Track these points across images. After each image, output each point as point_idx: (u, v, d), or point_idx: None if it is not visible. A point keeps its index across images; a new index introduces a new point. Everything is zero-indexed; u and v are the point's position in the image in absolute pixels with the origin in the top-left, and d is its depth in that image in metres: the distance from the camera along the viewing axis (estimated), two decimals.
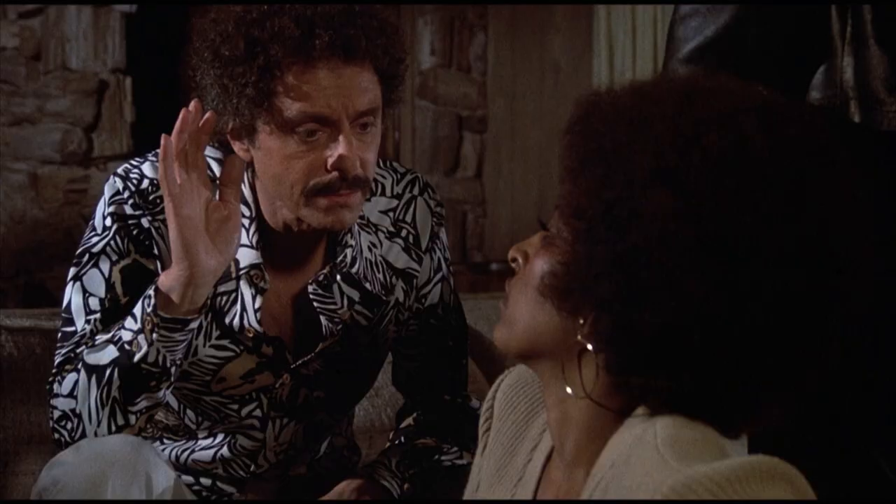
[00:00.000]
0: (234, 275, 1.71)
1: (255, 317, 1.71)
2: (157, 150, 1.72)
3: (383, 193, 1.83)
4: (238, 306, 1.71)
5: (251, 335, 1.71)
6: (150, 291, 1.59)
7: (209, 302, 1.68)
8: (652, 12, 4.66)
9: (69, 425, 1.64)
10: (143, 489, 1.54)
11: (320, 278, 1.74)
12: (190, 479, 1.80)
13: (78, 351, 1.66)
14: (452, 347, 1.91)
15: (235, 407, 1.76)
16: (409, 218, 1.83)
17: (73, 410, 1.63)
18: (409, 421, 1.87)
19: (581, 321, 1.06)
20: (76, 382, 1.63)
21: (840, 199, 1.04)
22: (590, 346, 1.07)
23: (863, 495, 1.64)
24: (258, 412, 1.77)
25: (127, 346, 1.60)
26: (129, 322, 1.61)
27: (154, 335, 1.58)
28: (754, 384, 1.03)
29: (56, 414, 1.65)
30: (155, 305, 1.58)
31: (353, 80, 1.63)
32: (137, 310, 1.60)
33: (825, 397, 1.29)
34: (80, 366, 1.63)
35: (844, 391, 1.54)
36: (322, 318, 1.75)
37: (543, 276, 1.09)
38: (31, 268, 4.08)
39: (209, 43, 1.64)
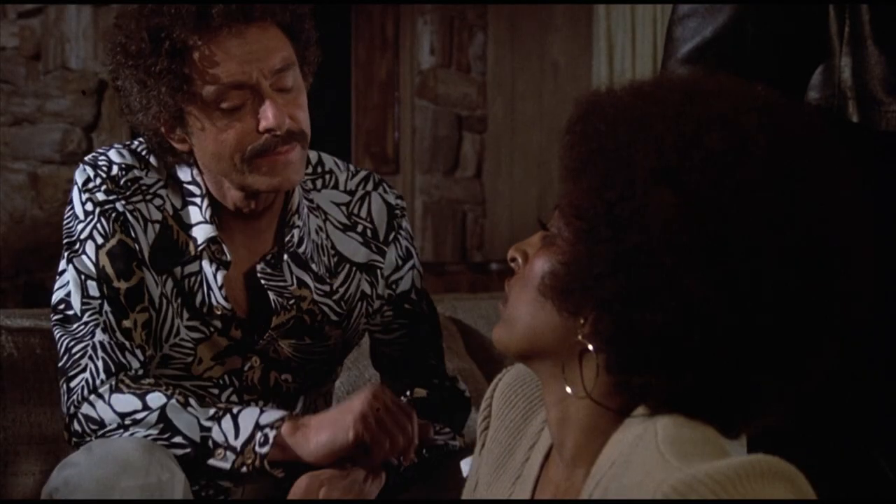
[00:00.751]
0: (194, 253, 1.73)
1: (221, 293, 1.74)
2: (126, 142, 1.78)
3: (336, 187, 1.88)
4: (205, 286, 1.74)
5: (219, 313, 1.74)
6: (270, 433, 1.62)
7: (178, 284, 1.73)
8: (651, 12, 4.66)
9: (100, 430, 1.66)
10: (154, 492, 1.55)
11: (268, 258, 1.78)
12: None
13: (115, 356, 1.69)
14: (428, 331, 1.95)
15: (216, 391, 1.79)
16: (363, 213, 1.87)
17: (114, 423, 1.66)
18: (421, 394, 1.88)
19: (581, 321, 1.06)
20: (137, 412, 1.66)
21: (841, 199, 1.04)
22: (590, 346, 1.07)
23: (863, 495, 1.64)
24: (234, 397, 1.79)
25: (211, 445, 1.63)
26: (227, 424, 1.64)
27: (244, 469, 1.63)
28: (755, 384, 1.03)
29: (90, 412, 1.67)
30: (267, 454, 1.61)
31: (260, 40, 1.67)
32: (245, 426, 1.63)
33: (825, 397, 1.29)
34: (152, 405, 1.65)
35: (844, 391, 1.54)
36: (271, 294, 1.78)
37: (544, 275, 1.09)
38: (32, 268, 4.07)
39: (119, 46, 1.69)
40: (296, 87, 1.71)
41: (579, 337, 1.07)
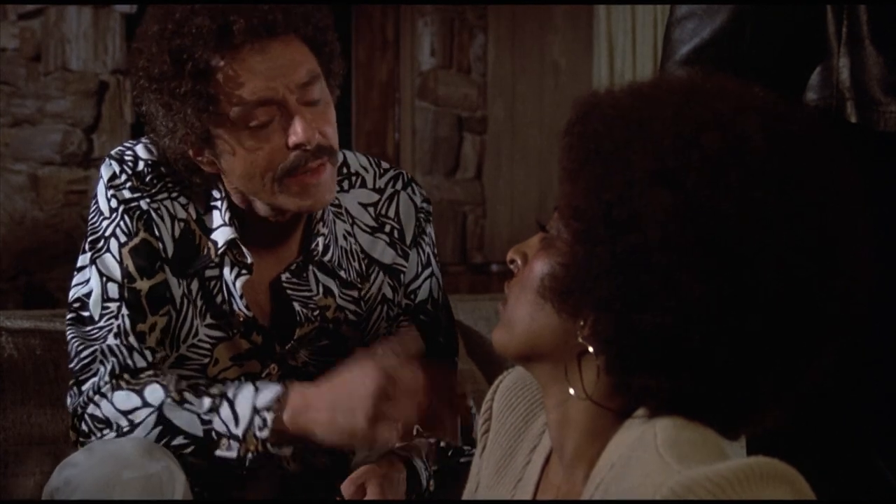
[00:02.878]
0: (215, 258, 1.72)
1: (242, 302, 1.72)
2: (152, 135, 1.74)
3: (363, 186, 1.85)
4: (225, 292, 1.73)
5: (242, 319, 1.73)
6: (268, 416, 1.60)
7: (202, 286, 1.72)
8: (652, 13, 4.66)
9: (105, 429, 1.66)
10: (154, 492, 1.55)
11: (293, 267, 1.77)
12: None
13: (122, 358, 1.68)
14: (443, 344, 1.91)
15: None
16: (391, 213, 1.85)
17: (118, 421, 1.65)
18: None
19: (581, 322, 1.06)
20: (137, 409, 1.65)
21: (839, 200, 1.03)
22: (590, 348, 1.07)
23: (861, 497, 1.64)
24: None
25: (215, 437, 1.62)
26: (225, 413, 1.62)
27: (250, 455, 1.61)
28: (753, 385, 1.03)
29: (95, 411, 1.67)
30: (268, 438, 1.59)
31: (283, 55, 1.65)
32: (243, 412, 1.61)
33: (825, 399, 1.29)
34: (151, 401, 1.64)
35: (844, 392, 1.54)
36: (295, 305, 1.76)
37: (543, 277, 1.08)
38: (32, 269, 4.07)
39: (141, 70, 1.66)
40: (323, 101, 1.69)
41: (579, 339, 1.07)
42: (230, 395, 1.63)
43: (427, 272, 1.88)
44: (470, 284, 4.82)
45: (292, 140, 1.64)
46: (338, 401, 1.59)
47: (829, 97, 1.56)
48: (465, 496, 1.33)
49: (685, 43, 1.57)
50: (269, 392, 1.62)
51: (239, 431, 1.61)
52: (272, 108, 1.63)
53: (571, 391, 1.10)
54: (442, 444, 1.78)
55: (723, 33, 1.55)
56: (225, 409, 1.62)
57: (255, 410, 1.61)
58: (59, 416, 2.22)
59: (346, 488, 1.62)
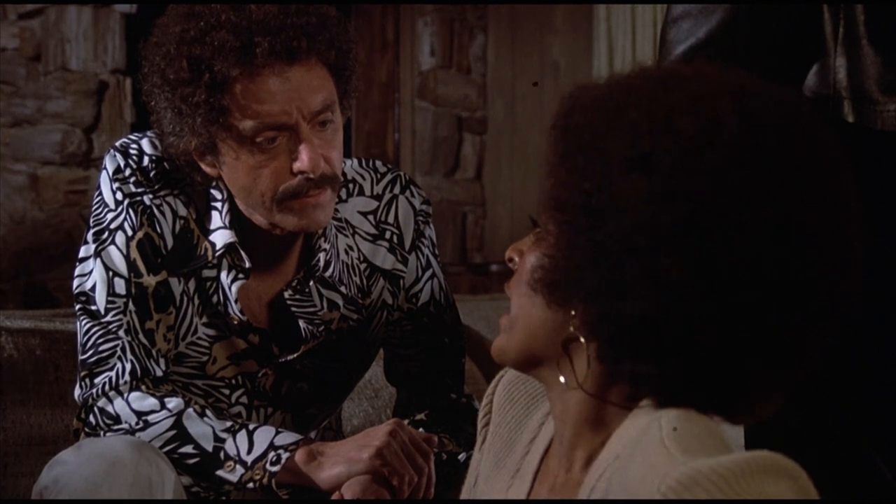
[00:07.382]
0: (212, 260, 1.72)
1: (236, 307, 1.72)
2: (156, 129, 1.73)
3: (361, 193, 1.83)
4: (220, 295, 1.73)
5: (236, 322, 1.73)
6: (283, 454, 1.61)
7: (199, 286, 1.72)
8: (652, 13, 4.66)
9: (114, 426, 1.66)
10: (143, 490, 1.55)
11: (294, 283, 1.75)
12: (188, 480, 1.81)
13: (139, 354, 1.68)
14: (449, 345, 1.91)
15: (227, 392, 1.78)
16: (391, 219, 1.83)
17: (128, 420, 1.66)
18: (420, 417, 1.86)
19: (572, 313, 1.06)
20: (154, 412, 1.66)
21: (818, 179, 1.02)
22: (581, 338, 1.07)
23: (860, 495, 1.64)
24: (244, 399, 1.79)
25: (222, 457, 1.63)
26: (241, 439, 1.63)
27: (251, 485, 1.62)
28: (742, 367, 1.03)
29: (107, 406, 1.67)
30: (276, 473, 1.61)
31: (302, 80, 1.63)
32: (260, 443, 1.62)
33: (824, 397, 1.29)
34: (170, 407, 1.66)
35: (843, 389, 1.54)
36: (301, 322, 1.76)
37: (533, 270, 1.09)
38: (32, 269, 4.08)
39: (155, 67, 1.64)
40: (333, 128, 1.67)
41: (571, 329, 1.07)
42: (251, 426, 1.65)
43: (427, 274, 1.87)
44: (470, 285, 4.82)
45: (297, 167, 1.63)
46: (348, 451, 1.62)
47: (826, 96, 1.56)
48: (465, 489, 1.33)
49: (681, 43, 1.57)
50: (290, 436, 1.64)
51: (249, 459, 1.62)
52: (283, 130, 1.63)
53: (562, 379, 1.10)
54: (443, 455, 1.78)
55: (718, 33, 1.55)
56: (242, 436, 1.63)
57: (273, 446, 1.62)
58: (59, 416, 2.22)
59: (351, 488, 1.62)
